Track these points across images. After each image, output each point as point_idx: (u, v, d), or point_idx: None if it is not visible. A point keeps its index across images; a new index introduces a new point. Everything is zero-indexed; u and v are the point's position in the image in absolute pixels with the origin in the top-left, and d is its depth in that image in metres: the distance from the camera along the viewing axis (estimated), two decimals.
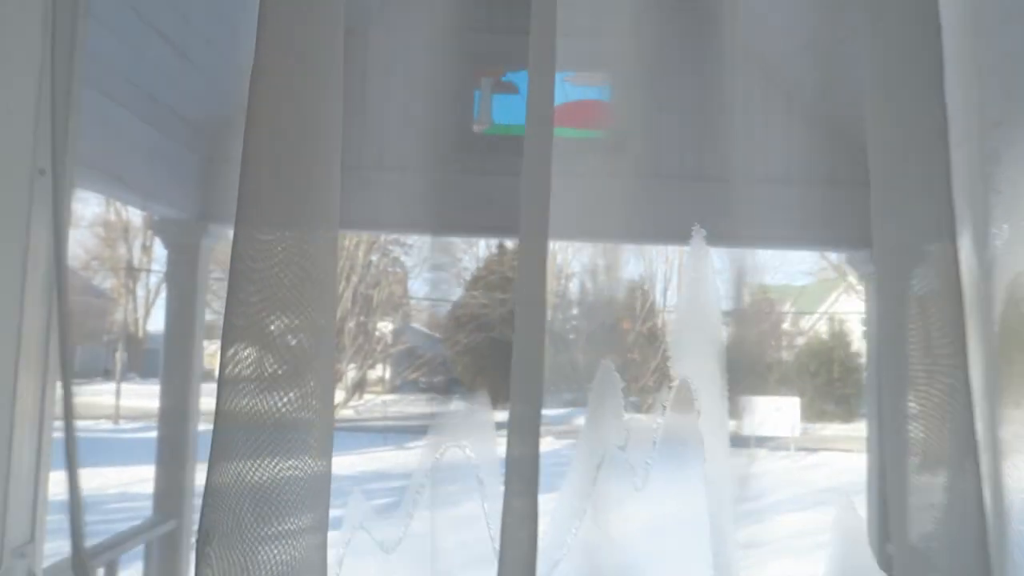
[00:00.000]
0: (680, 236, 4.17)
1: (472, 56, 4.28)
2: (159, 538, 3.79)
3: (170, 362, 4.01)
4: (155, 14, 2.99)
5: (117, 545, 3.37)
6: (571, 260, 27.59)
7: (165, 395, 3.99)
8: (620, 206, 4.16)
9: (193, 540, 3.96)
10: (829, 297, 37.60)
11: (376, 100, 4.17)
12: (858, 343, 36.01)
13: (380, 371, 26.84)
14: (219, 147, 4.09)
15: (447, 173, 4.16)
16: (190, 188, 3.95)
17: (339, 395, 21.43)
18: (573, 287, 28.40)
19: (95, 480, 14.27)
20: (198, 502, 0.99)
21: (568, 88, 4.27)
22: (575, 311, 26.78)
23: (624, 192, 4.16)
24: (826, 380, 34.46)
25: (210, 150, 4.07)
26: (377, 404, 30.29)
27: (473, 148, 4.20)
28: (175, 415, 3.96)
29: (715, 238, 4.14)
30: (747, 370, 36.40)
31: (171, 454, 3.93)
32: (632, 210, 4.16)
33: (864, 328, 4.16)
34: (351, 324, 20.78)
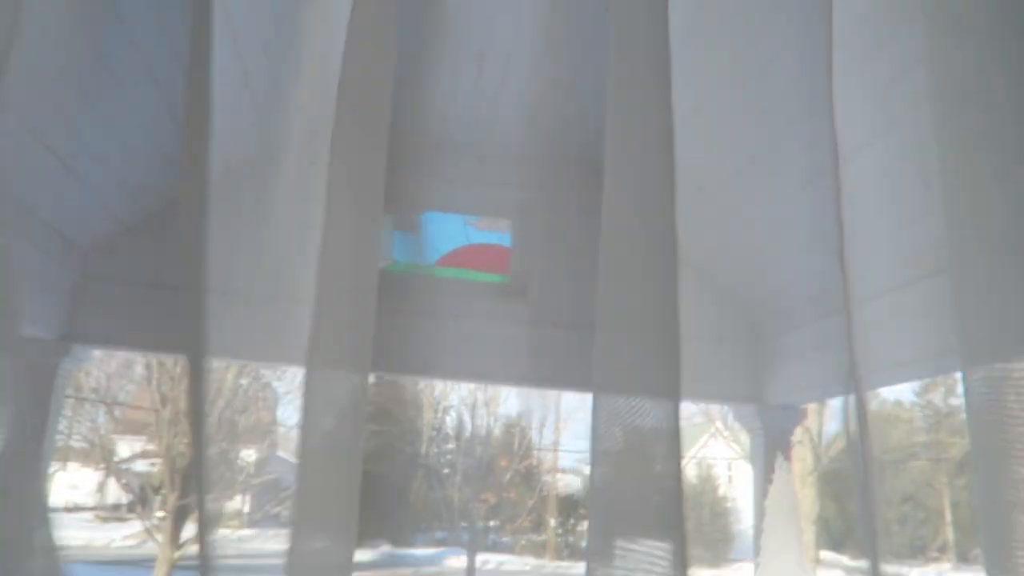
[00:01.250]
0: (568, 382, 4.19)
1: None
2: None
3: (10, 489, 3.52)
4: (43, 126, 2.82)
5: None
6: (448, 393, 27.25)
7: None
8: (510, 349, 4.15)
9: None
10: (698, 441, 38.73)
11: (268, 229, 4.06)
12: (725, 488, 36.96)
13: (239, 503, 24.96)
14: (97, 265, 3.82)
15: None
16: (55, 306, 3.63)
17: (192, 530, 19.60)
18: (450, 420, 27.93)
19: None
20: None
21: (472, 232, 4.33)
22: (451, 445, 26.22)
23: (514, 336, 4.17)
24: (696, 524, 34.82)
25: (84, 267, 3.79)
26: (232, 540, 27.90)
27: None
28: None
29: (594, 386, 4.18)
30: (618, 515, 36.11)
31: None
32: (521, 355, 4.15)
33: (752, 479, 4.21)
34: (212, 452, 19.35)
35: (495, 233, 4.35)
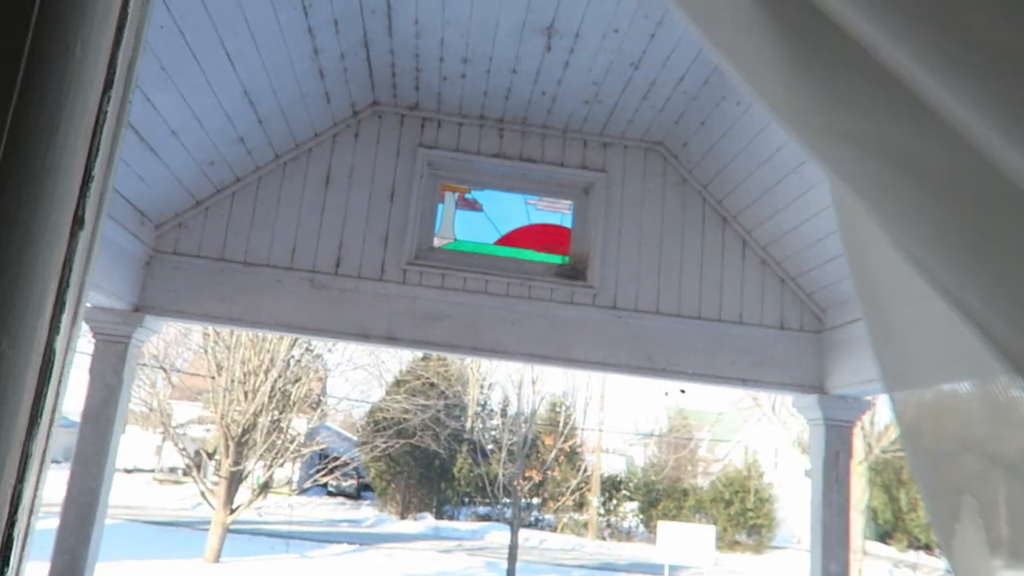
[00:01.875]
0: (624, 365, 4.17)
1: (437, 171, 4.30)
2: None
3: (83, 453, 3.67)
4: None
5: None
6: (495, 369, 27.41)
7: (74, 486, 3.64)
8: (568, 330, 4.15)
9: None
10: (745, 425, 38.30)
11: (337, 206, 4.12)
12: (771, 473, 36.53)
13: (289, 471, 25.62)
14: (167, 240, 3.93)
15: (402, 285, 4.08)
16: (129, 279, 3.74)
17: (244, 495, 20.21)
18: (495, 397, 28.13)
19: None
20: None
21: (532, 211, 4.32)
22: (496, 422, 26.43)
23: (573, 318, 4.16)
24: (740, 509, 34.57)
25: (158, 242, 3.90)
26: (282, 506, 28.69)
27: (431, 261, 4.15)
28: (81, 507, 3.61)
29: (664, 372, 4.16)
30: (664, 494, 36.27)
31: (70, 548, 3.54)
32: (579, 336, 4.15)
33: (808, 468, 4.13)
34: (265, 420, 19.88)
35: (556, 213, 4.34)
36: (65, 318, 0.74)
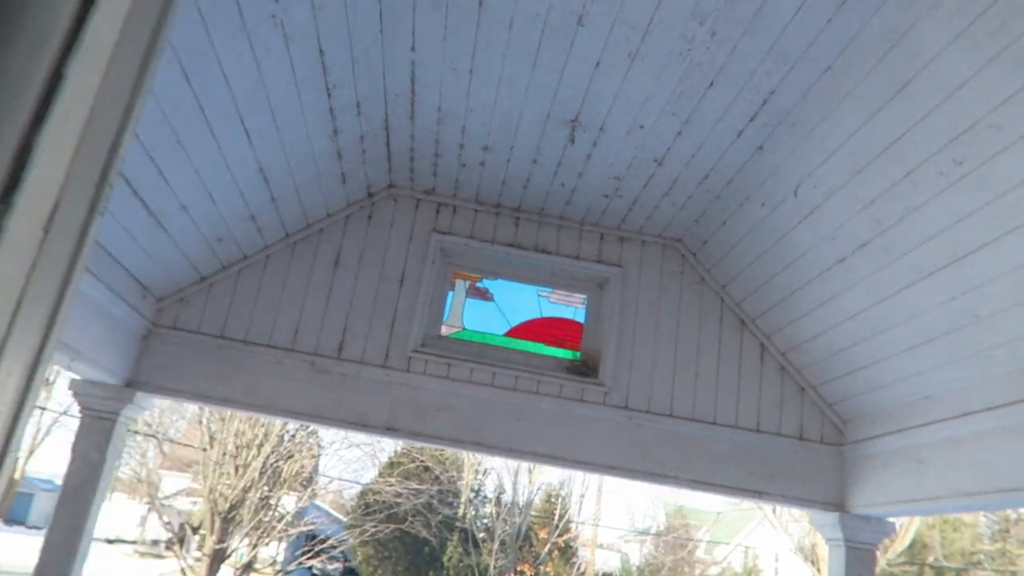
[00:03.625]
0: (634, 468, 3.95)
1: (449, 257, 4.20)
2: None
3: (59, 527, 3.45)
4: (135, 173, 2.82)
5: None
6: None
7: (46, 560, 3.40)
8: (576, 428, 3.95)
9: None
10: (745, 527, 37.19)
11: (344, 289, 4.00)
12: None
13: (274, 550, 24.75)
14: (167, 314, 3.80)
15: (406, 373, 3.92)
16: (124, 354, 3.59)
17: (226, 573, 19.44)
18: (490, 483, 27.40)
19: None
20: None
21: (545, 304, 4.19)
22: (489, 509, 25.66)
23: (582, 416, 3.97)
24: None
25: (158, 316, 3.77)
26: None
27: (437, 350, 3.99)
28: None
29: (675, 479, 3.94)
30: None
31: None
32: (586, 435, 3.95)
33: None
34: (254, 496, 19.32)
35: (569, 307, 4.21)
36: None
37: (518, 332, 4.13)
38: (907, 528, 22.67)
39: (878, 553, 4.04)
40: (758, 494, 4.01)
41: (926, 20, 2.42)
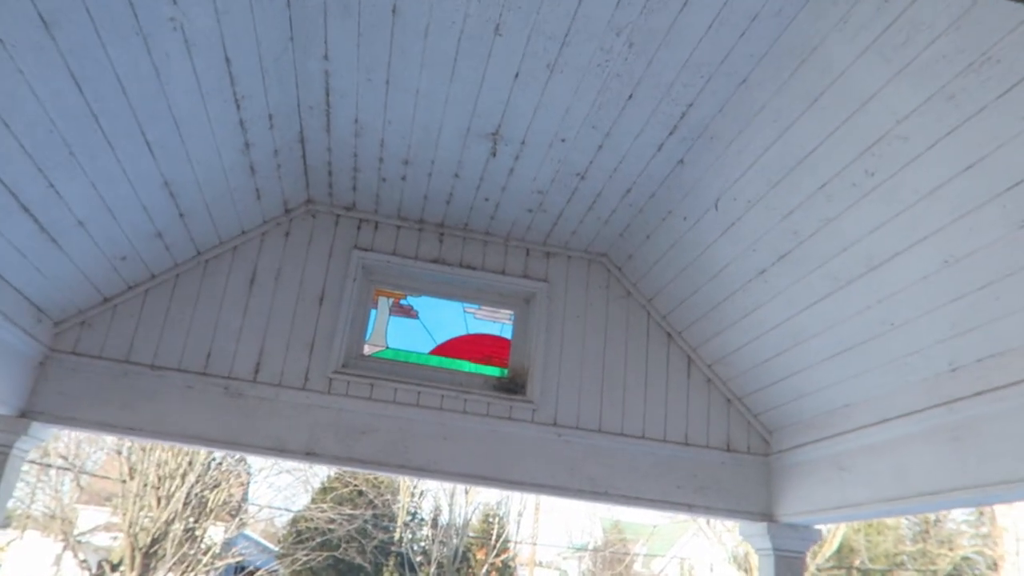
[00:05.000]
0: (572, 489, 3.89)
1: (371, 275, 4.08)
2: None
3: None
4: (23, 186, 2.62)
5: None
6: None
7: None
8: (505, 446, 3.87)
9: None
10: (680, 539, 37.64)
11: (260, 309, 3.83)
12: None
13: None
14: (66, 339, 3.56)
15: (327, 395, 3.77)
16: (17, 380, 3.34)
17: None
18: (426, 505, 27.00)
19: None
20: None
21: (471, 320, 4.11)
22: (426, 532, 25.25)
23: (510, 434, 3.90)
24: None
25: (55, 341, 3.53)
26: None
27: (359, 371, 3.86)
28: None
29: (606, 495, 3.90)
30: None
31: None
32: (516, 453, 3.88)
33: None
34: (178, 528, 18.54)
35: (496, 323, 4.14)
36: None
37: (444, 350, 4.04)
38: (834, 533, 23.30)
39: (807, 558, 4.08)
40: (688, 507, 4.01)
41: (834, 35, 2.46)
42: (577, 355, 4.10)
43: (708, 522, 28.05)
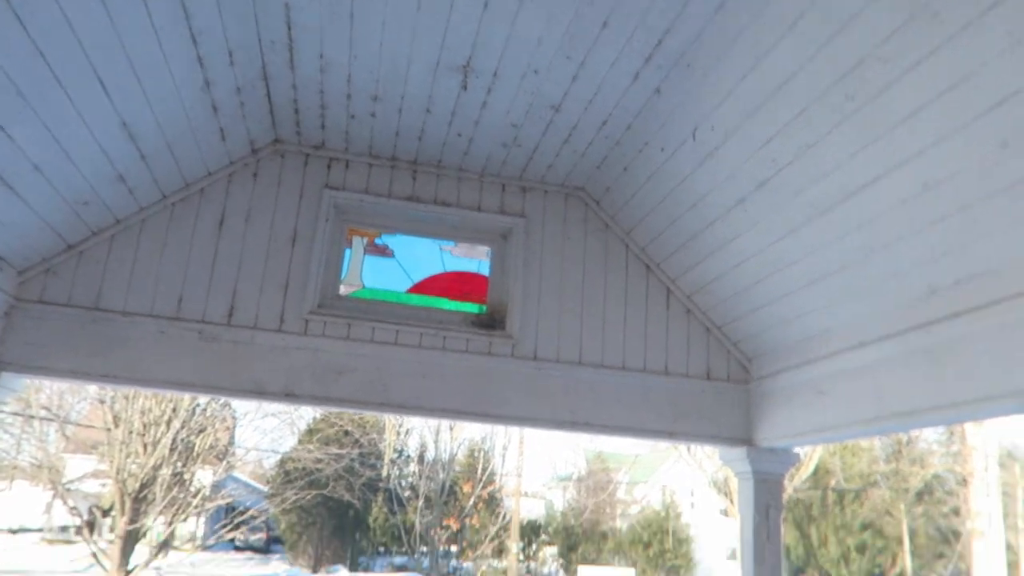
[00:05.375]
0: (545, 418, 3.93)
1: (344, 214, 4.00)
2: None
3: None
4: None
5: None
6: None
7: None
8: (484, 382, 3.88)
9: None
10: (662, 466, 38.67)
11: (232, 252, 3.75)
12: (688, 514, 36.85)
13: (193, 526, 24.16)
14: (32, 287, 3.47)
15: (303, 336, 3.73)
16: None
17: (143, 553, 18.85)
18: (412, 442, 27.42)
19: None
20: None
21: (448, 258, 4.06)
22: (412, 468, 25.71)
23: (490, 369, 3.90)
24: (658, 551, 34.64)
25: (20, 290, 3.44)
26: (184, 564, 26.96)
27: (336, 311, 3.82)
28: None
29: (587, 426, 3.94)
30: (583, 538, 36.02)
31: None
32: (496, 388, 3.88)
33: (741, 524, 3.97)
34: (166, 473, 18.71)
35: (473, 260, 4.09)
36: None
37: (421, 288, 4.00)
38: (810, 456, 24.00)
39: (785, 481, 4.17)
40: (669, 435, 4.06)
41: None
42: (556, 289, 4.08)
43: (689, 449, 28.79)
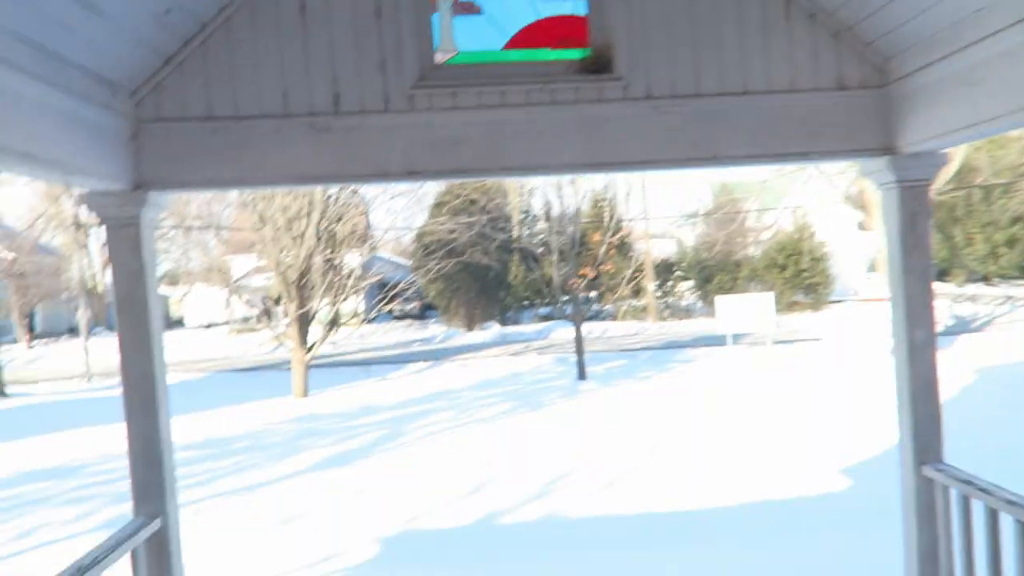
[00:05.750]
0: (666, 158, 3.80)
1: None
2: (146, 542, 3.47)
3: (127, 342, 3.60)
4: None
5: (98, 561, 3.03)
6: None
7: (128, 373, 3.59)
8: (598, 130, 3.74)
9: (181, 535, 3.66)
10: (791, 188, 37.61)
11: (321, 37, 3.64)
12: (822, 231, 36.31)
13: (353, 304, 26.49)
14: (148, 107, 3.56)
15: (411, 113, 3.68)
16: (119, 156, 3.43)
17: (316, 332, 21.06)
18: (536, 202, 27.93)
19: (75, 443, 13.92)
20: None
21: (540, 4, 3.77)
22: (542, 225, 26.41)
23: (602, 116, 3.74)
24: (794, 272, 34.84)
25: (139, 111, 3.54)
26: (354, 337, 30.04)
27: (437, 81, 3.71)
28: (142, 390, 3.58)
29: (713, 159, 3.79)
30: (718, 269, 36.71)
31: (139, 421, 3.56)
32: (611, 134, 3.74)
33: (887, 235, 3.85)
34: (318, 260, 20.25)
35: (568, 1, 3.78)
36: None
37: (518, 41, 3.78)
38: (954, 155, 22.46)
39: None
40: (802, 155, 3.84)
41: None
42: (663, 18, 3.73)
43: (818, 168, 27.59)
